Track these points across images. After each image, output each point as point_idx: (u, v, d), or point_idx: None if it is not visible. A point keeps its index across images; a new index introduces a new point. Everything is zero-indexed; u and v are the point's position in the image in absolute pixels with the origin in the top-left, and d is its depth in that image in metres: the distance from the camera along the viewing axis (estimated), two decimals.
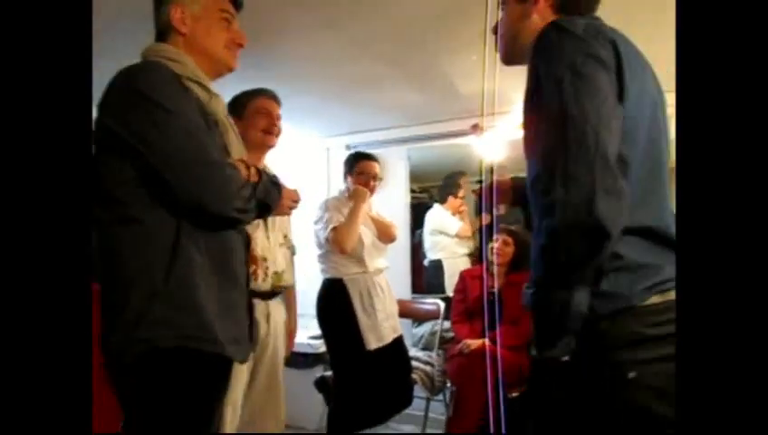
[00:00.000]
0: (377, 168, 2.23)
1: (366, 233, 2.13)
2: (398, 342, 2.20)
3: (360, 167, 2.22)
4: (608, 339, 0.75)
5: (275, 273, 1.64)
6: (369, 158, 2.26)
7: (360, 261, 2.11)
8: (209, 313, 0.91)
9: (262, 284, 1.61)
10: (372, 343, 2.07)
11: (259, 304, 1.60)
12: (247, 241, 1.09)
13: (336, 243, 2.02)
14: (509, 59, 1.01)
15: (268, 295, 1.65)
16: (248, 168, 1.02)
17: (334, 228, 2.03)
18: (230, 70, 1.09)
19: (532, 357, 0.85)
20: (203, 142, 0.92)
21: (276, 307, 1.71)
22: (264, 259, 1.62)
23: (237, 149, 1.07)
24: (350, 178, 2.24)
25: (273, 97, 1.65)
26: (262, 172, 1.04)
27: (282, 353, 1.73)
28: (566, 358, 0.76)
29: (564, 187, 0.70)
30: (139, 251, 0.89)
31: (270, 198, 1.04)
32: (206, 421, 0.95)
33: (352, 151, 2.43)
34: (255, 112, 1.61)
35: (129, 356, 0.88)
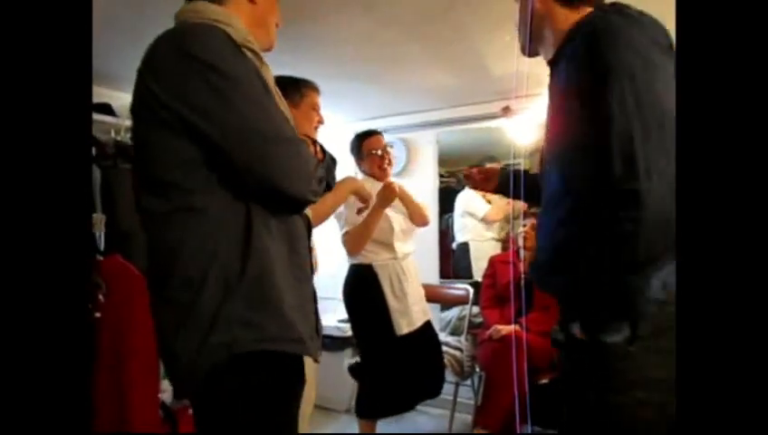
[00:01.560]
0: (383, 140, 2.18)
1: (396, 219, 2.11)
2: (428, 326, 2.19)
3: (366, 146, 2.17)
4: (660, 324, 0.76)
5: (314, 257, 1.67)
6: (371, 134, 2.21)
7: (390, 247, 2.10)
8: (290, 308, 0.81)
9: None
10: (404, 328, 2.07)
11: None
12: (309, 225, 0.98)
13: (345, 246, 2.04)
14: (532, 49, 1.00)
15: None
16: (314, 144, 0.94)
17: (346, 233, 2.03)
18: (271, 48, 1.00)
19: (566, 340, 0.87)
20: (274, 115, 0.81)
21: None
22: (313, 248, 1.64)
23: (289, 122, 0.98)
24: (362, 164, 2.21)
25: (319, 92, 1.65)
26: (325, 149, 0.97)
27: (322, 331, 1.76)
28: (621, 343, 0.77)
29: (647, 175, 0.70)
30: (207, 243, 0.77)
31: (332, 177, 0.98)
32: (292, 429, 0.85)
33: (353, 134, 2.35)
34: (311, 107, 1.60)
35: (204, 365, 0.75)
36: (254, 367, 0.78)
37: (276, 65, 1.83)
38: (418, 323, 2.11)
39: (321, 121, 1.62)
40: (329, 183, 0.95)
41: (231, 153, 0.76)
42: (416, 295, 2.15)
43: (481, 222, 2.94)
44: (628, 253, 0.73)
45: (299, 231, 0.89)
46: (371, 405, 2.15)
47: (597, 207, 0.76)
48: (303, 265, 0.89)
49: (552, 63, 0.92)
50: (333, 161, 1.01)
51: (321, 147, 0.95)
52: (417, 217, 2.20)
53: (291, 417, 0.84)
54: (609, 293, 0.77)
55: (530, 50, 0.99)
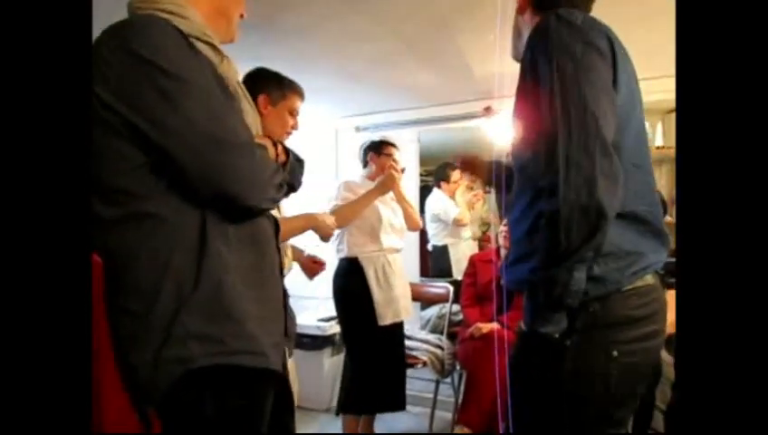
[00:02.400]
0: (395, 153, 2.24)
1: (385, 211, 2.14)
2: (397, 328, 2.17)
3: (387, 149, 2.24)
4: (598, 319, 0.81)
5: (287, 257, 1.65)
6: (394, 145, 2.28)
7: (376, 239, 2.12)
8: (250, 318, 0.77)
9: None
10: (388, 319, 2.08)
11: None
12: (277, 226, 0.94)
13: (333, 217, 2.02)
14: (515, 54, 1.04)
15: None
16: (275, 145, 0.88)
17: (336, 205, 2.07)
18: (232, 41, 0.93)
19: (518, 333, 0.93)
20: (227, 118, 0.76)
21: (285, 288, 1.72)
22: (287, 246, 1.63)
23: (253, 122, 0.92)
24: (375, 160, 2.23)
25: (302, 98, 1.62)
26: (289, 150, 0.92)
27: (294, 333, 1.76)
28: (556, 335, 0.81)
29: (566, 170, 0.73)
30: (160, 252, 0.72)
31: (296, 180, 0.93)
32: None
33: (376, 138, 2.40)
34: (289, 111, 1.56)
35: (161, 380, 0.71)
36: (211, 383, 0.73)
37: (257, 59, 1.81)
38: (402, 316, 2.14)
39: (294, 127, 1.58)
40: (293, 185, 0.92)
41: (179, 160, 0.72)
42: (402, 290, 2.16)
43: (453, 225, 2.97)
44: (550, 245, 0.76)
45: (263, 234, 0.85)
46: (355, 400, 2.15)
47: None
48: (269, 268, 0.85)
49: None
50: (300, 162, 0.96)
51: (285, 148, 0.91)
52: (408, 220, 2.26)
53: (256, 433, 0.80)
54: (543, 286, 0.79)
55: (516, 53, 1.03)
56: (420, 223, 2.32)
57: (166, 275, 0.72)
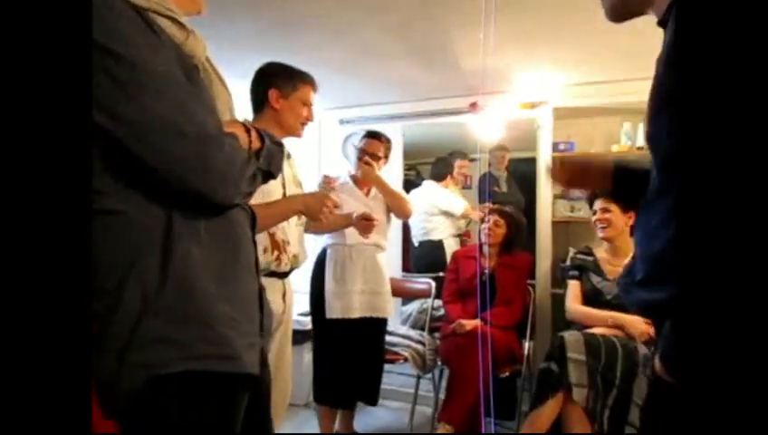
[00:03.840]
0: (374, 145, 2.19)
1: (353, 206, 2.11)
2: (374, 326, 2.17)
3: (361, 142, 2.21)
4: None
5: (294, 255, 1.62)
6: (371, 135, 2.24)
7: (341, 232, 2.11)
8: (222, 320, 0.72)
9: (284, 267, 1.60)
10: (336, 312, 2.08)
11: (276, 283, 1.59)
12: (253, 218, 0.90)
13: None
14: (620, 11, 0.79)
15: (285, 275, 1.64)
16: (248, 131, 0.80)
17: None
18: (200, 12, 0.85)
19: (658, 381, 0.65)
20: (191, 108, 0.69)
21: (289, 284, 1.70)
22: (288, 243, 1.60)
23: (225, 105, 0.85)
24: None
25: (314, 88, 1.60)
26: (264, 135, 0.84)
27: (291, 330, 1.73)
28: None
29: None
30: (123, 251, 0.67)
31: (274, 166, 0.85)
32: None
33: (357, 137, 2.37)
34: (303, 102, 1.56)
35: (124, 387, 0.66)
36: (179, 390, 0.68)
37: (243, 48, 1.76)
38: (357, 314, 2.11)
39: (309, 118, 1.58)
40: (272, 173, 0.85)
41: (138, 154, 0.65)
42: (360, 284, 2.12)
43: (459, 219, 2.98)
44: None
45: (238, 228, 0.80)
46: (316, 390, 2.19)
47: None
48: (244, 264, 0.80)
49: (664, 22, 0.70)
50: (280, 146, 0.88)
51: (260, 133, 0.84)
52: (396, 211, 2.24)
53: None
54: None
55: (622, 12, 0.78)
56: (411, 210, 2.27)
57: (130, 275, 0.67)
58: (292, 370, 1.99)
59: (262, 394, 0.95)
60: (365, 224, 1.93)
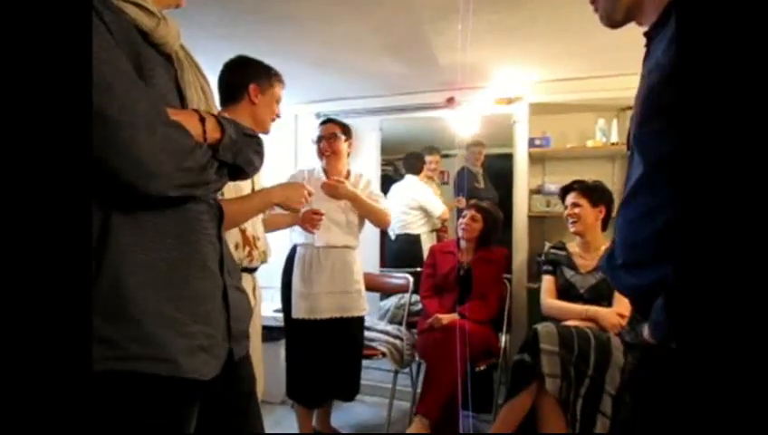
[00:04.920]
0: (331, 128, 2.14)
1: (323, 206, 2.05)
2: (345, 326, 2.13)
3: (316, 131, 2.19)
4: None
5: (263, 251, 1.62)
6: (324, 122, 2.22)
7: (309, 233, 2.06)
8: (158, 321, 0.68)
9: (255, 262, 1.60)
10: (302, 313, 2.07)
11: (246, 278, 1.57)
12: (220, 213, 0.85)
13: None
14: (613, 20, 0.82)
15: (254, 269, 1.64)
16: (202, 120, 0.74)
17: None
18: (179, 5, 0.81)
19: (637, 345, 0.74)
20: (120, 90, 0.62)
21: (257, 279, 1.69)
22: (258, 238, 1.59)
23: (198, 92, 0.81)
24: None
25: (284, 86, 1.64)
26: (225, 125, 0.78)
27: (260, 326, 1.72)
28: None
29: None
30: None
31: (242, 158, 0.80)
32: None
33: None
34: (275, 98, 1.60)
35: None
36: (108, 391, 0.65)
37: (216, 38, 1.71)
38: (324, 314, 2.08)
39: (278, 115, 1.62)
40: (240, 166, 0.80)
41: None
42: (328, 286, 2.09)
43: (436, 219, 2.99)
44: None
45: (193, 224, 0.75)
46: (289, 387, 2.18)
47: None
48: (199, 261, 0.75)
49: (650, 35, 0.77)
50: (252, 139, 0.84)
51: (220, 122, 0.78)
52: (376, 224, 2.24)
53: None
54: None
55: (618, 17, 0.81)
56: (390, 220, 2.24)
57: None
58: (265, 366, 1.98)
59: (242, 394, 0.92)
60: (310, 217, 1.90)
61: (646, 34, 0.78)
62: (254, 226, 1.59)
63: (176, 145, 0.68)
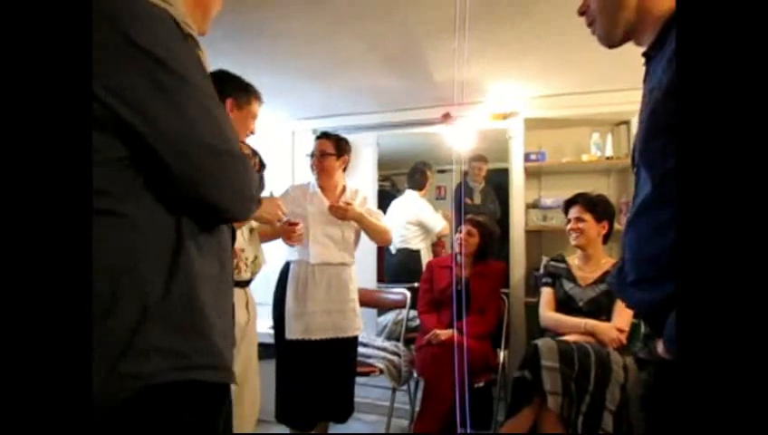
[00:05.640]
0: (322, 145, 2.13)
1: (316, 224, 2.06)
2: (340, 346, 2.09)
3: (313, 146, 2.19)
4: None
5: (252, 261, 1.64)
6: (318, 136, 2.21)
7: (304, 249, 2.06)
8: (215, 331, 0.72)
9: (244, 275, 1.61)
10: (296, 333, 2.02)
11: (239, 293, 1.58)
12: (234, 235, 0.96)
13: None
14: (612, 40, 0.83)
15: (247, 283, 1.65)
16: (255, 154, 0.92)
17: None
18: (204, 33, 0.87)
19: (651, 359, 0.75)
20: (223, 124, 0.70)
21: (251, 293, 1.70)
22: (242, 250, 1.61)
23: None
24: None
25: (261, 104, 1.63)
26: (261, 160, 0.93)
27: (256, 341, 1.71)
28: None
29: None
30: (125, 255, 0.65)
31: (262, 188, 0.97)
32: None
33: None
34: (252, 116, 1.58)
35: (112, 398, 0.63)
36: (169, 399, 0.67)
37: (213, 54, 1.72)
38: (318, 335, 2.04)
39: (253, 132, 1.59)
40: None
41: (169, 161, 0.66)
42: (323, 304, 2.05)
43: (436, 235, 3.00)
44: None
45: (226, 242, 0.81)
46: (278, 409, 2.12)
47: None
48: (229, 278, 0.82)
49: (648, 55, 0.78)
50: (264, 167, 0.97)
51: (260, 158, 0.92)
52: (378, 242, 2.24)
53: None
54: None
55: (617, 38, 0.82)
56: (391, 238, 2.24)
57: (128, 281, 0.64)
58: (261, 382, 1.95)
59: (229, 403, 0.95)
60: (285, 229, 1.89)
61: (644, 54, 0.79)
62: (240, 239, 1.60)
63: (252, 177, 0.77)
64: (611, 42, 0.83)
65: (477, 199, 3.00)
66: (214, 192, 0.70)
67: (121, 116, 0.62)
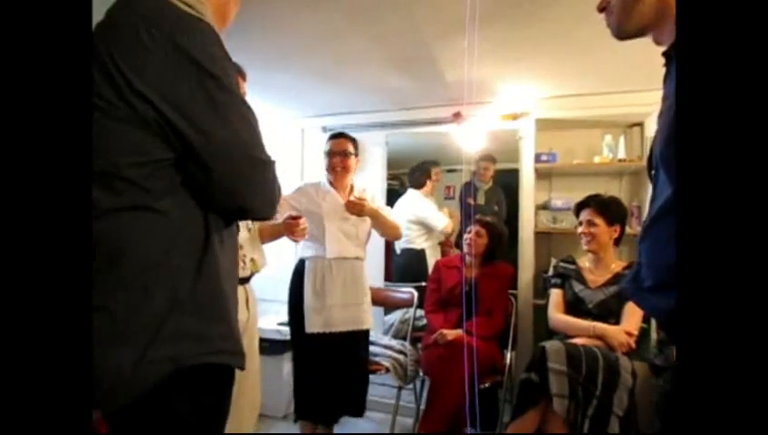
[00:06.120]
0: (343, 144, 2.17)
1: (331, 220, 2.10)
2: (356, 339, 2.14)
3: (327, 145, 2.20)
4: None
5: (252, 260, 1.65)
6: (335, 136, 2.22)
7: (320, 244, 2.09)
8: (233, 320, 0.79)
9: (242, 272, 1.61)
10: (316, 326, 2.05)
11: (239, 289, 1.58)
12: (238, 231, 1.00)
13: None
14: (623, 32, 0.82)
15: (246, 280, 1.65)
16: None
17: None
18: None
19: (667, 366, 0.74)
20: (258, 132, 0.78)
21: (251, 290, 1.70)
22: (241, 247, 1.61)
23: None
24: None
25: (245, 80, 1.58)
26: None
27: (257, 338, 1.71)
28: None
29: None
30: (159, 248, 0.71)
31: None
32: None
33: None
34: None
35: (143, 381, 0.68)
36: (194, 382, 0.73)
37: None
38: (338, 327, 2.07)
39: None
40: None
41: (210, 164, 0.72)
42: (341, 298, 2.09)
43: (439, 233, 2.98)
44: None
45: (235, 239, 0.88)
46: (298, 405, 2.13)
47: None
48: (237, 271, 0.90)
49: (669, 55, 0.77)
50: None
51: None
52: (390, 237, 2.27)
53: (217, 426, 0.82)
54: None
55: (628, 30, 0.81)
56: (402, 232, 2.27)
57: (160, 273, 0.70)
58: (265, 379, 1.97)
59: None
60: (289, 224, 1.91)
61: (665, 54, 0.77)
62: (240, 236, 1.64)
63: (278, 182, 0.83)
64: (621, 33, 0.82)
65: (481, 200, 2.98)
66: (248, 196, 0.77)
67: (170, 119, 0.68)
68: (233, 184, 0.74)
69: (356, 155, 2.20)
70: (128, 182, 0.69)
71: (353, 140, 2.21)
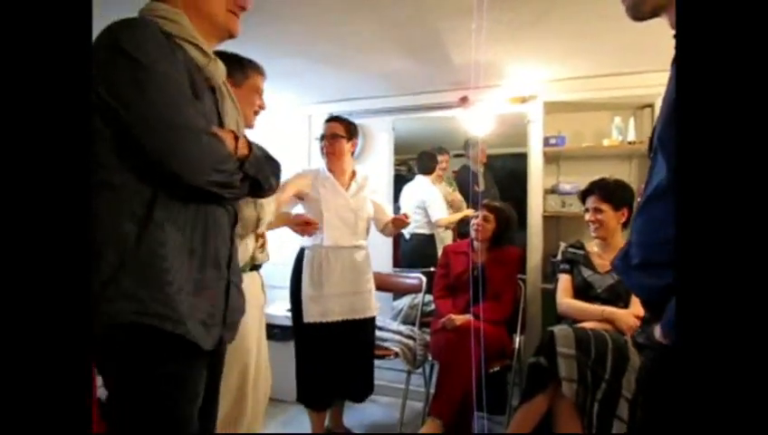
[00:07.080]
0: (332, 127, 2.15)
1: (329, 207, 2.09)
2: (358, 327, 2.14)
3: (322, 129, 2.20)
4: None
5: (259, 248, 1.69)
6: (328, 120, 2.21)
7: (318, 233, 2.08)
8: (178, 291, 0.86)
9: (264, 258, 1.66)
10: (314, 317, 2.05)
11: (254, 275, 1.62)
12: (234, 220, 1.04)
13: None
14: (639, 11, 0.81)
15: (259, 266, 1.68)
16: (236, 139, 0.96)
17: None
18: (231, 36, 1.03)
19: (650, 346, 0.76)
20: (182, 106, 0.86)
21: (263, 276, 1.73)
22: (262, 235, 1.67)
23: (233, 119, 1.02)
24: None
25: (264, 76, 1.59)
26: (253, 146, 0.99)
27: (264, 322, 1.74)
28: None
29: None
30: (109, 217, 0.84)
31: (262, 175, 0.99)
32: (172, 410, 0.89)
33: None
34: (254, 90, 1.55)
35: (96, 329, 0.83)
36: (130, 339, 0.85)
37: (228, 42, 1.72)
38: (337, 317, 2.08)
39: (262, 107, 1.58)
40: (259, 181, 0.99)
41: (140, 138, 0.83)
42: (339, 287, 2.09)
43: (435, 223, 2.97)
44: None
45: (212, 223, 0.95)
46: (299, 391, 2.17)
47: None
48: (212, 254, 0.95)
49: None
50: (268, 159, 1.04)
51: (250, 144, 0.98)
52: (385, 233, 2.29)
53: (168, 399, 0.88)
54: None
55: (645, 10, 0.80)
56: (407, 224, 2.25)
57: (110, 239, 0.83)
58: (278, 365, 2.00)
59: (213, 375, 1.05)
60: (302, 227, 1.94)
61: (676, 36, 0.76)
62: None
63: (213, 150, 0.89)
64: (637, 13, 0.81)
65: (482, 186, 2.97)
66: (174, 162, 0.84)
67: (108, 102, 0.82)
68: (158, 151, 0.83)
69: (348, 138, 2.14)
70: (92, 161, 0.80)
71: (347, 123, 2.16)
